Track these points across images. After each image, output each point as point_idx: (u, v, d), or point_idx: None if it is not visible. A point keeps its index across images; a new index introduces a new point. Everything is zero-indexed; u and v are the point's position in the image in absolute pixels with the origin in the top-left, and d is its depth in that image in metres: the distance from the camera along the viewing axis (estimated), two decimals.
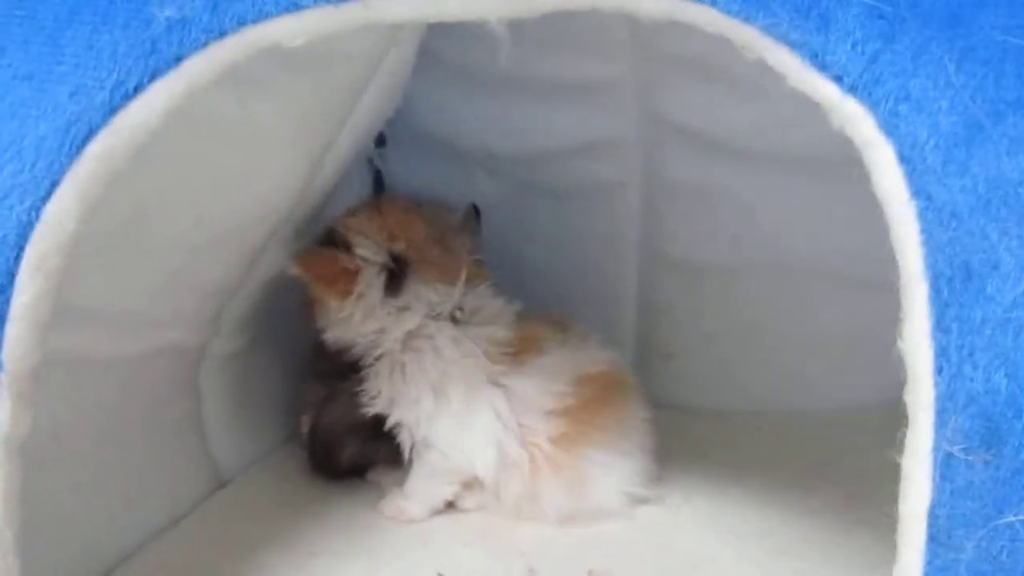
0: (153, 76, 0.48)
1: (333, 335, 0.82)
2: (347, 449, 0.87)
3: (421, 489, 0.83)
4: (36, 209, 0.48)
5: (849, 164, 0.91)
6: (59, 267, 0.49)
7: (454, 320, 0.81)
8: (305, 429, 0.91)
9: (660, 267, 1.04)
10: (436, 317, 0.80)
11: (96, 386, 0.70)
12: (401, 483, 0.84)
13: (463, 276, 0.80)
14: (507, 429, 0.79)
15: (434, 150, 1.04)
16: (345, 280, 0.79)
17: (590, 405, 0.81)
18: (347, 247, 0.80)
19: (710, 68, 0.89)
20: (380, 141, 1.03)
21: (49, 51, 0.49)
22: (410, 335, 0.80)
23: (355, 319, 0.80)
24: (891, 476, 0.82)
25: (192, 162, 0.63)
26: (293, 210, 0.79)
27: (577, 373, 0.81)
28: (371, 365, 0.81)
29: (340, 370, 0.82)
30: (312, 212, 0.83)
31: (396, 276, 0.79)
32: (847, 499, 0.83)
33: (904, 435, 0.40)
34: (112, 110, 0.48)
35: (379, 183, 1.07)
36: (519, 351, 0.81)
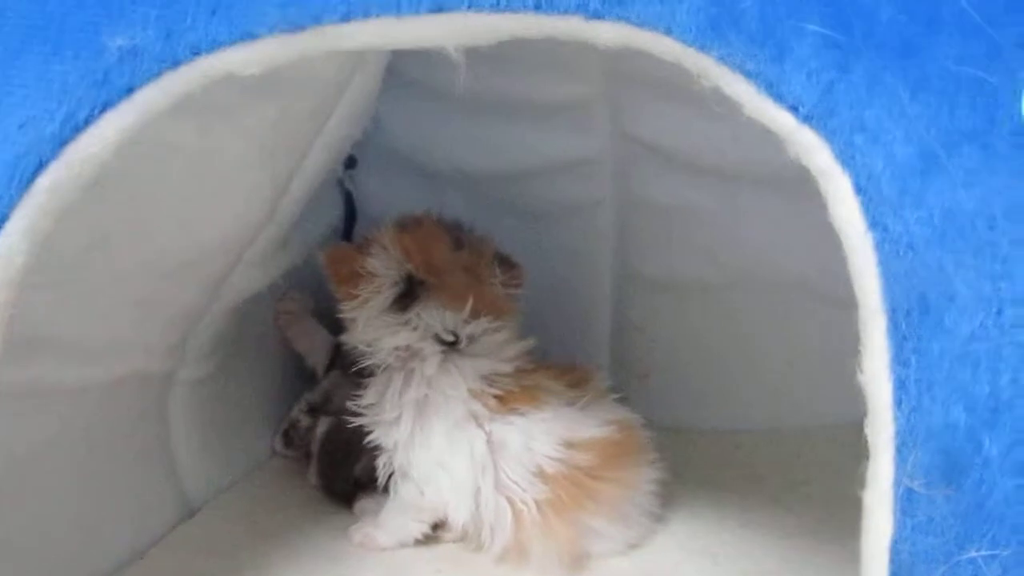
0: (104, 107, 0.47)
1: (346, 338, 0.83)
2: (362, 461, 0.86)
3: (393, 521, 0.82)
4: None
5: None
6: (9, 301, 0.49)
7: (443, 344, 0.79)
8: (322, 429, 0.92)
9: (635, 285, 1.04)
10: (430, 339, 0.79)
11: (60, 416, 0.69)
12: (378, 512, 0.83)
13: (468, 305, 0.78)
14: (485, 477, 0.77)
15: (406, 171, 1.03)
16: (354, 282, 0.79)
17: (586, 472, 0.78)
18: (367, 253, 0.80)
19: (681, 88, 0.89)
20: (351, 163, 1.03)
21: None
22: (403, 352, 0.79)
23: (358, 323, 0.80)
24: None
25: (151, 191, 0.62)
26: (259, 235, 0.79)
27: (574, 436, 0.78)
28: (374, 375, 0.81)
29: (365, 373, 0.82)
30: (279, 237, 0.82)
31: (405, 294, 0.79)
32: (824, 519, 0.82)
33: (866, 468, 0.40)
34: (62, 142, 0.47)
35: (350, 205, 1.06)
36: (513, 398, 0.79)
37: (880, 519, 0.38)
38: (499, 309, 0.81)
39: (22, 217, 0.47)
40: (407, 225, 0.82)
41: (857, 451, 0.98)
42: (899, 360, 0.37)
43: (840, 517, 0.81)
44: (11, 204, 0.47)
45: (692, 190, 0.97)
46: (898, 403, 0.37)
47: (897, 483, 0.37)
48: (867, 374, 0.39)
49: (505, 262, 0.83)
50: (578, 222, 1.02)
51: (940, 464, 0.37)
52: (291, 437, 0.99)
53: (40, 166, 0.47)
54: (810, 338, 1.02)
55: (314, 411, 0.97)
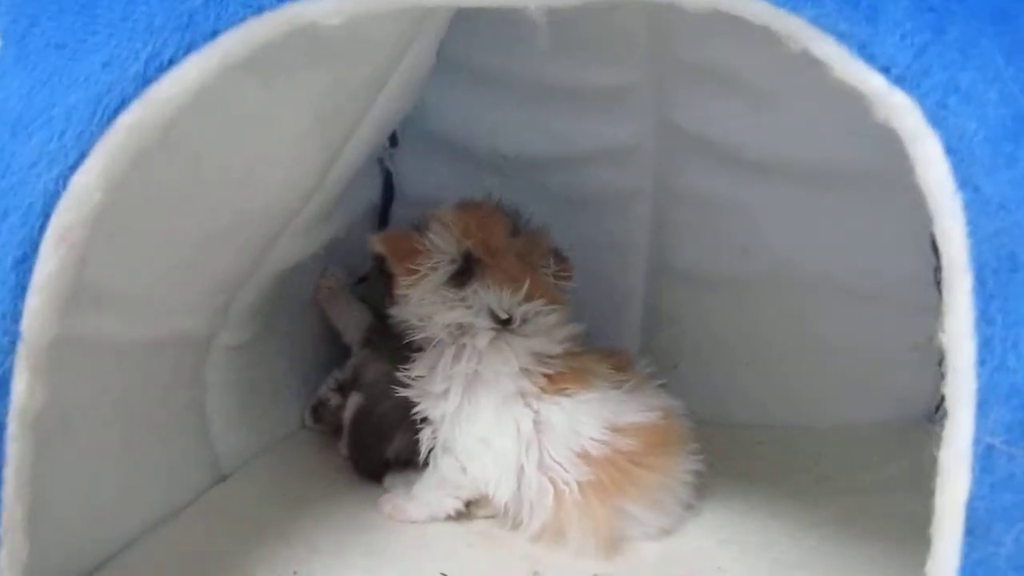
0: (188, 49, 0.48)
1: (396, 311, 0.84)
2: (397, 441, 0.87)
3: (429, 494, 0.82)
4: (63, 178, 0.48)
5: (857, 179, 0.93)
6: (83, 239, 0.49)
7: (496, 322, 0.80)
8: (351, 408, 0.92)
9: (668, 276, 1.05)
10: (484, 316, 0.80)
11: (105, 371, 0.69)
12: (408, 485, 0.84)
13: (525, 286, 0.80)
14: (529, 456, 0.77)
15: (446, 152, 1.04)
16: (412, 258, 0.81)
17: (629, 457, 0.78)
18: (425, 230, 0.82)
19: (725, 79, 0.90)
20: (392, 141, 1.03)
21: (83, 20, 0.49)
22: (456, 328, 0.80)
23: (412, 299, 0.82)
24: (894, 489, 0.82)
25: (215, 146, 0.62)
26: (307, 203, 0.79)
27: (620, 420, 0.79)
28: (423, 349, 0.82)
29: (407, 350, 0.83)
30: (325, 207, 0.83)
31: (462, 272, 0.80)
32: (850, 512, 0.83)
33: (941, 430, 0.40)
34: (145, 82, 0.48)
35: (389, 184, 1.07)
36: (562, 379, 0.80)
37: (958, 476, 0.38)
38: (551, 296, 0.82)
39: (102, 154, 0.48)
40: (468, 206, 0.85)
41: (884, 447, 0.98)
42: (985, 318, 0.38)
43: (867, 510, 0.82)
44: (91, 140, 0.48)
45: (730, 183, 0.98)
46: (981, 361, 0.38)
47: (977, 441, 0.38)
48: (949, 333, 0.39)
49: (557, 255, 0.85)
50: (615, 211, 1.02)
51: (1023, 421, 0.37)
52: (320, 414, 0.99)
53: (122, 104, 0.48)
54: (837, 335, 1.02)
55: (343, 389, 0.98)
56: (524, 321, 0.80)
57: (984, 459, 0.37)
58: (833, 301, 1.01)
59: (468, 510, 0.83)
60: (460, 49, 0.95)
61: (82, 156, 0.48)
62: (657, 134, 0.96)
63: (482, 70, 0.97)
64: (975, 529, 0.37)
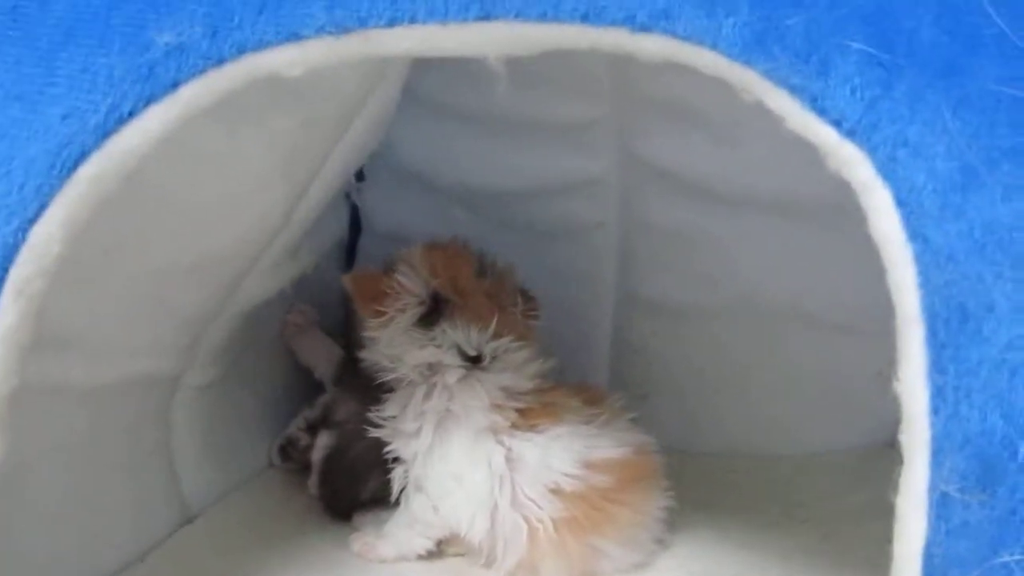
0: (149, 101, 0.48)
1: (366, 354, 0.84)
2: (372, 482, 0.86)
3: (399, 534, 0.82)
4: (23, 231, 0.47)
5: (824, 210, 0.93)
6: (42, 291, 0.49)
7: (466, 359, 0.80)
8: (320, 454, 0.91)
9: (636, 307, 1.05)
10: (454, 354, 0.80)
11: (68, 415, 0.68)
12: (379, 523, 0.83)
13: (493, 323, 0.80)
14: (503, 492, 0.77)
15: (412, 186, 1.04)
16: (380, 300, 0.80)
17: (603, 493, 0.78)
18: (392, 272, 0.82)
19: (687, 113, 0.91)
20: (359, 176, 1.03)
21: (42, 72, 0.49)
22: (426, 367, 0.80)
23: (382, 341, 0.82)
24: (865, 519, 0.83)
25: (178, 190, 0.62)
26: (273, 241, 0.79)
27: (593, 455, 0.78)
28: (394, 390, 0.82)
29: (378, 390, 0.83)
30: (291, 245, 0.82)
31: (430, 312, 0.80)
32: (821, 542, 0.83)
33: (898, 475, 0.41)
34: (105, 133, 0.48)
35: (356, 218, 1.07)
36: (533, 414, 0.80)
37: (914, 524, 0.39)
38: (520, 332, 0.82)
39: (62, 206, 0.48)
40: (435, 247, 0.85)
41: (854, 476, 0.98)
42: (937, 368, 0.38)
43: (838, 539, 0.83)
44: (51, 192, 0.47)
45: (696, 215, 0.98)
46: (935, 410, 0.38)
47: (932, 488, 0.38)
48: (903, 381, 0.40)
49: (524, 294, 0.86)
50: (581, 242, 1.03)
51: (976, 469, 0.37)
52: (288, 453, 0.98)
53: (82, 156, 0.48)
54: (806, 365, 1.03)
55: (313, 428, 0.97)
56: (494, 358, 0.80)
57: (939, 507, 0.38)
58: (802, 330, 1.01)
59: (439, 548, 0.83)
60: (426, 85, 0.95)
61: (42, 208, 0.48)
62: (622, 167, 0.97)
63: (447, 105, 0.97)
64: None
